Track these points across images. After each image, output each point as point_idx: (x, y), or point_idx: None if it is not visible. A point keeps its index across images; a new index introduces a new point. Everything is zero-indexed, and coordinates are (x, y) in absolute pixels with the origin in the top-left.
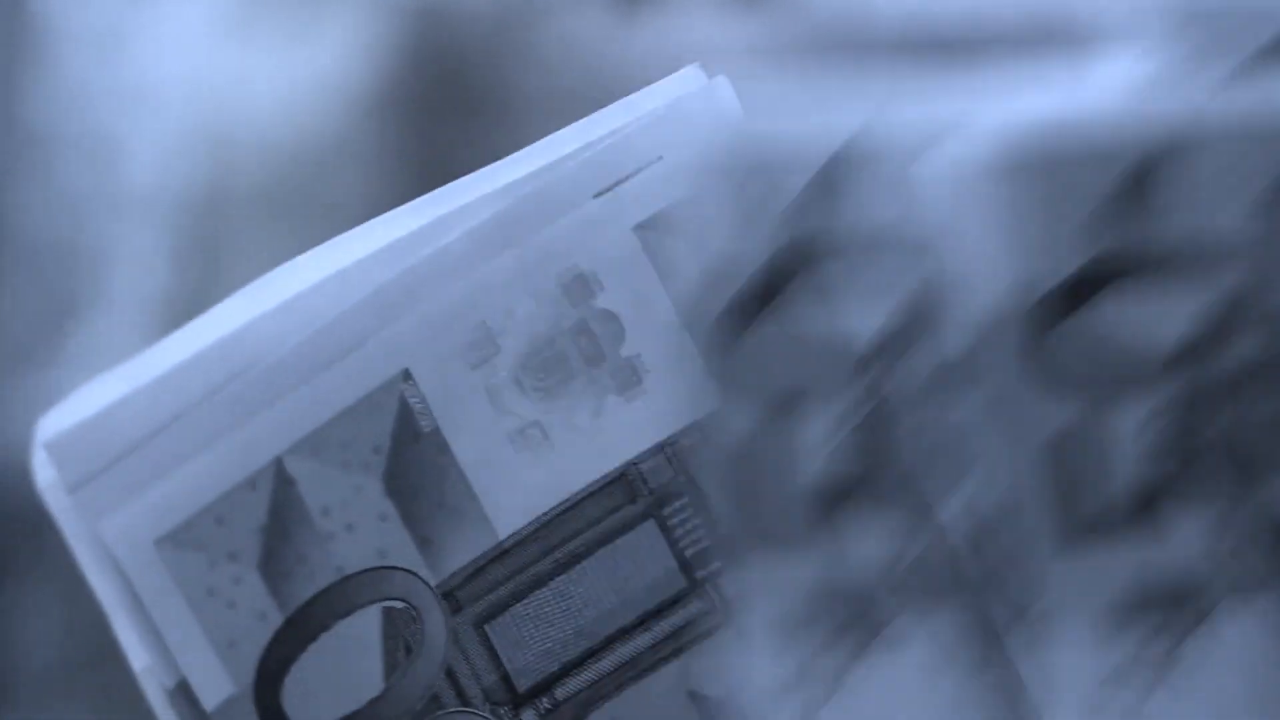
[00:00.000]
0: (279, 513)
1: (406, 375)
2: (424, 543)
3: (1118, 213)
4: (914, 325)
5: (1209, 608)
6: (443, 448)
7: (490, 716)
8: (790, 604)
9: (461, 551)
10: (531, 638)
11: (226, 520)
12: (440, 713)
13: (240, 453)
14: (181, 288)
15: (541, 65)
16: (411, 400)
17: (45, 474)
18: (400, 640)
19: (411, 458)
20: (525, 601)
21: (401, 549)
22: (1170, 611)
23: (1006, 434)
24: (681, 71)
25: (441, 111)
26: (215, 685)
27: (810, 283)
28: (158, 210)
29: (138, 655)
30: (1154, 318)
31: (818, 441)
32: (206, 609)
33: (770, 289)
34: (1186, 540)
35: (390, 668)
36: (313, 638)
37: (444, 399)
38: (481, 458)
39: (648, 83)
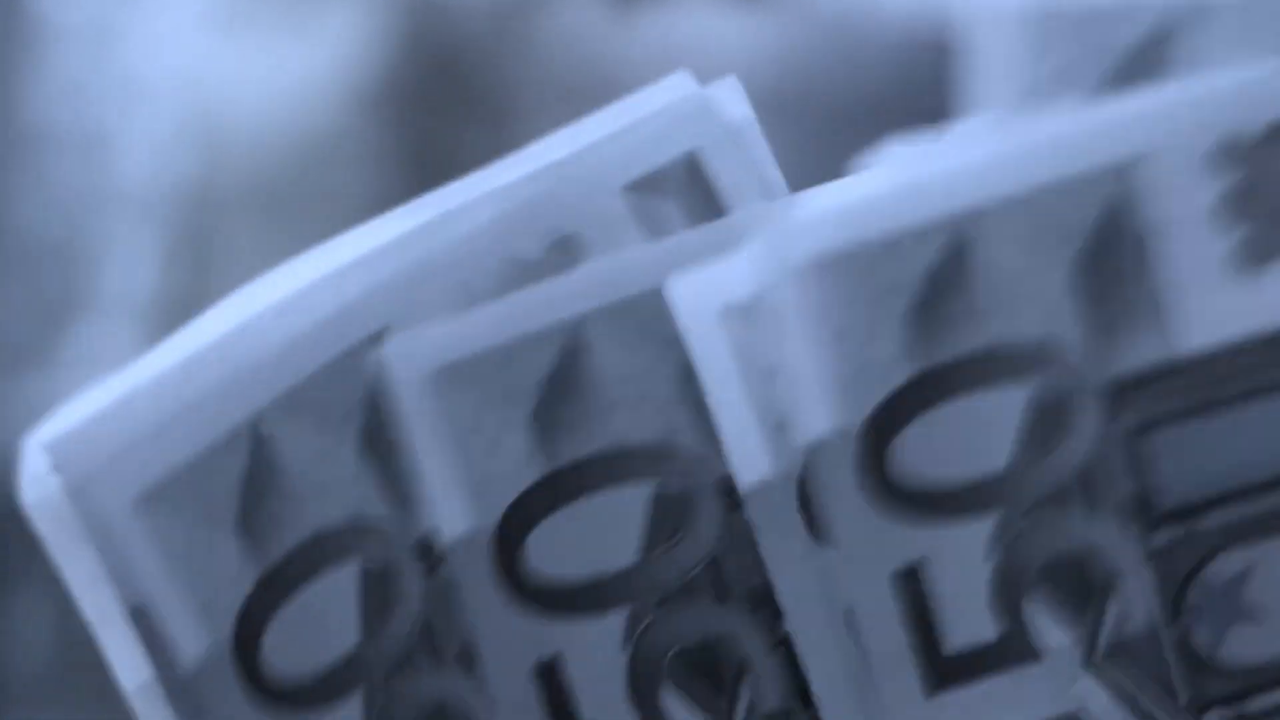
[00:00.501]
0: (254, 472)
1: (1130, 164)
2: (1098, 336)
3: (931, 307)
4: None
5: None
6: (1143, 251)
7: (1117, 528)
8: None
9: (1133, 358)
10: (1187, 458)
11: (204, 478)
12: (1056, 516)
13: (217, 409)
14: (175, 286)
15: (539, 60)
16: (1126, 192)
17: (35, 490)
18: (379, 597)
19: (1108, 252)
20: (1193, 421)
21: (1069, 339)
22: None
23: (857, 572)
24: (671, 78)
25: (438, 107)
26: (191, 646)
27: (955, 392)
28: (151, 207)
29: (129, 670)
30: (979, 435)
31: (978, 561)
32: (182, 570)
33: (914, 399)
34: (1060, 666)
35: (1024, 449)
36: (286, 597)
37: (1169, 200)
38: (1190, 272)
39: (647, 80)
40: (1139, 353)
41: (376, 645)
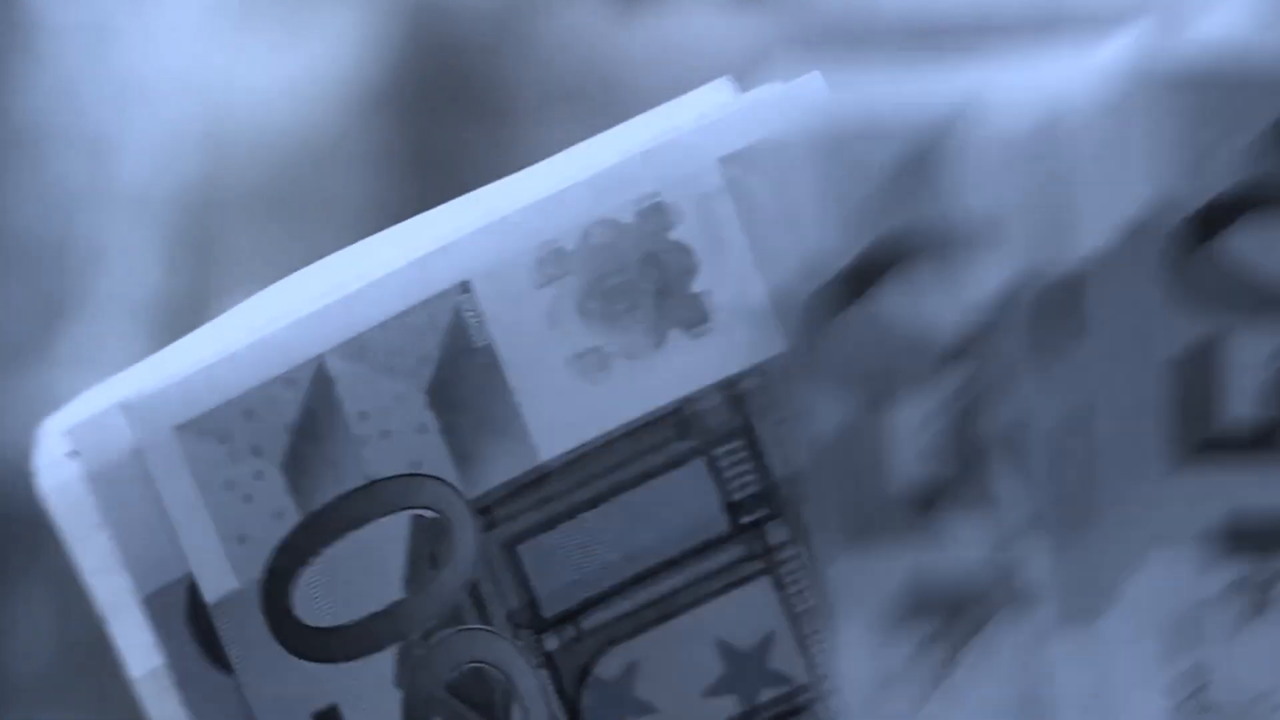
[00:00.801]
0: (313, 411)
1: (465, 287)
2: (462, 458)
3: (897, 192)
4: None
5: (986, 616)
6: (493, 365)
7: (510, 638)
8: (888, 602)
9: (501, 470)
10: (563, 565)
11: (256, 414)
12: (459, 628)
13: (280, 349)
14: (175, 287)
15: (541, 61)
16: (466, 313)
17: (51, 475)
18: (427, 552)
19: (460, 371)
20: (561, 528)
21: (438, 461)
22: (948, 618)
23: (1128, 350)
24: (712, 84)
25: (440, 108)
26: (219, 579)
27: (902, 270)
28: (151, 208)
29: (138, 657)
30: (933, 306)
31: (911, 434)
32: (221, 501)
33: (863, 275)
34: (965, 545)
35: (413, 578)
36: (332, 539)
37: (501, 315)
38: (533, 379)
39: (647, 80)
40: (504, 467)
41: (421, 600)
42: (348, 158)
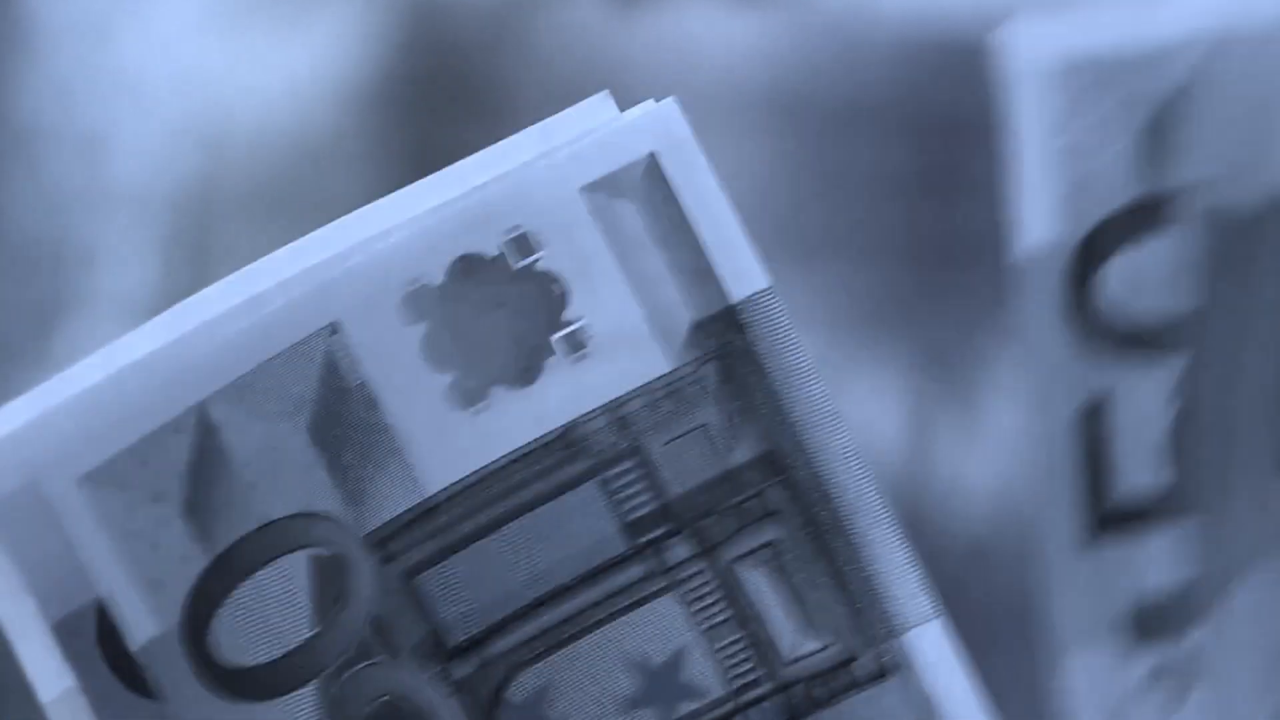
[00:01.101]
0: (203, 457)
1: (334, 328)
2: (351, 495)
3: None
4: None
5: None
6: (371, 402)
7: (417, 669)
8: (1139, 596)
9: (390, 505)
10: (461, 594)
11: (151, 462)
12: (366, 664)
13: (164, 396)
14: (171, 285)
15: (537, 59)
16: (338, 353)
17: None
18: (331, 589)
19: (338, 410)
20: (455, 557)
21: (327, 499)
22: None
23: None
24: (594, 98)
25: (436, 105)
26: (140, 624)
27: (1161, 225)
28: (147, 207)
29: (47, 682)
30: (279, 615)
31: (1162, 405)
32: (129, 549)
33: (1127, 226)
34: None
35: (321, 616)
36: (238, 582)
37: (374, 353)
38: (411, 414)
39: (646, 79)
40: (393, 502)
41: (331, 637)
42: (346, 157)
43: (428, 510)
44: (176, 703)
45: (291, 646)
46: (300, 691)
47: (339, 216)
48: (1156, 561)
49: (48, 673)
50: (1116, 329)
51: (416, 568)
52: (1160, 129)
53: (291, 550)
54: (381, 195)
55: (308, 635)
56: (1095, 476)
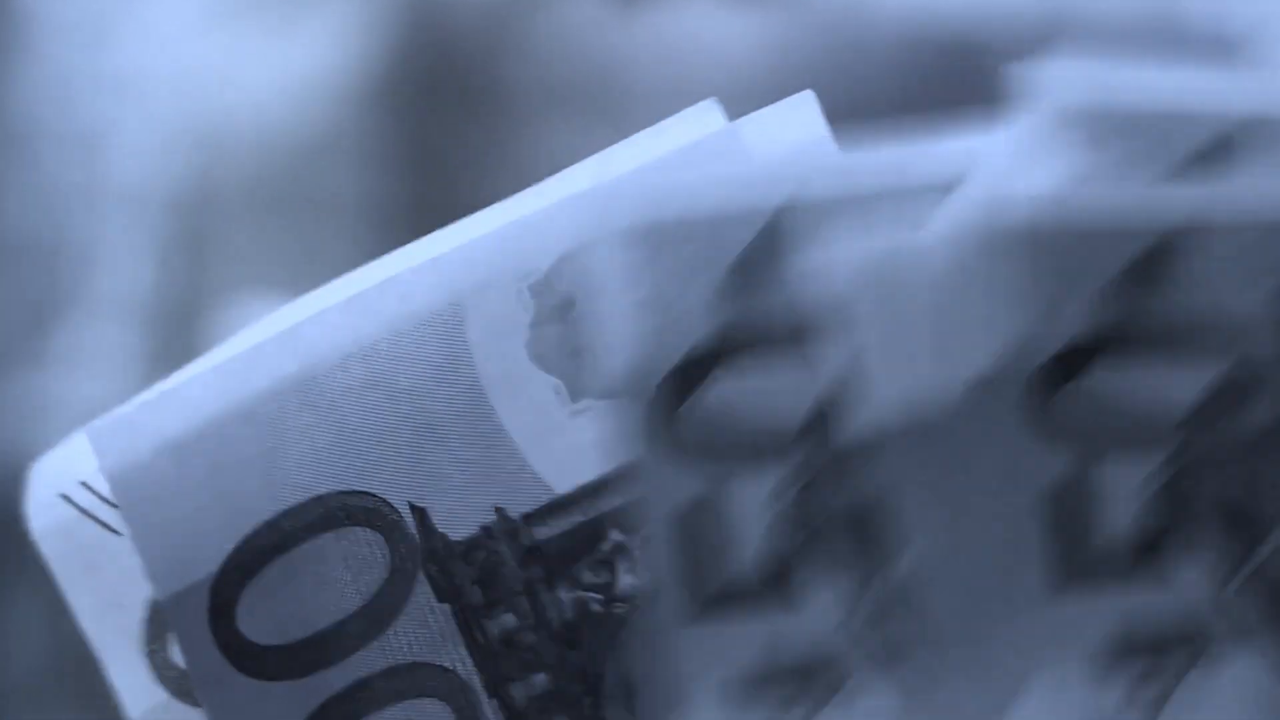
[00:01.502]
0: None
1: (456, 313)
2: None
3: (1125, 290)
4: (837, 401)
5: (1203, 651)
6: (480, 396)
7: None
8: (740, 668)
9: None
10: None
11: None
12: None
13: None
14: (169, 286)
15: (537, 58)
16: (456, 340)
17: (43, 517)
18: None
19: (447, 396)
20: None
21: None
22: (1161, 655)
23: (998, 488)
24: (700, 105)
25: (435, 105)
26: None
27: (755, 350)
28: (144, 206)
29: (136, 698)
30: (1157, 386)
31: (761, 506)
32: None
33: (716, 354)
34: (1187, 586)
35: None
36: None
37: (490, 343)
38: (528, 417)
39: (646, 79)
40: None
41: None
42: (343, 155)
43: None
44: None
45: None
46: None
47: (338, 216)
48: (1140, 601)
49: (135, 690)
50: (1093, 424)
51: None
52: (740, 277)
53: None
54: (379, 194)
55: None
56: (1069, 536)
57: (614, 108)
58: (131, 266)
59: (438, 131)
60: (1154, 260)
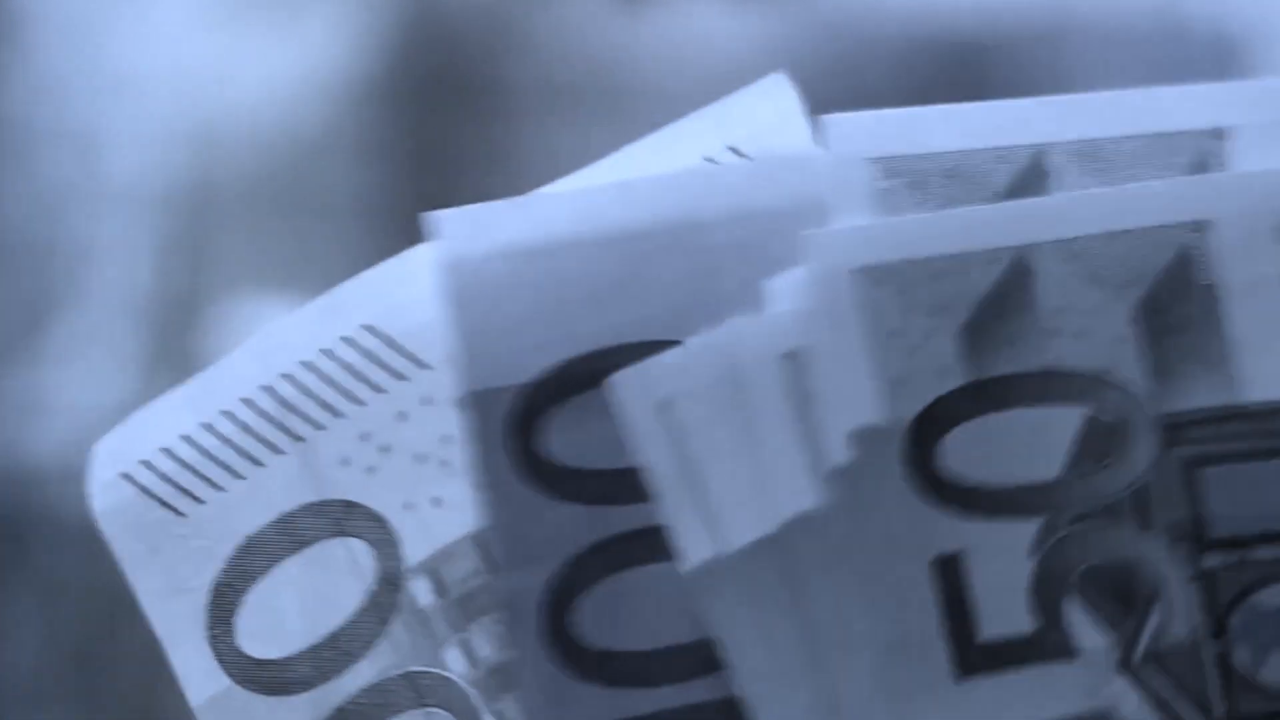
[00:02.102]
0: (1007, 293)
1: (1201, 226)
2: (1158, 376)
3: (988, 320)
4: None
5: None
6: (1212, 305)
7: (1167, 546)
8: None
9: (1197, 397)
10: (1246, 497)
11: (943, 277)
12: (1110, 524)
13: (984, 228)
14: (165, 284)
15: (537, 55)
16: (1196, 250)
17: (105, 497)
18: (1097, 446)
19: (1174, 300)
20: (1254, 464)
21: (1130, 372)
22: None
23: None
24: (768, 79)
25: (434, 102)
26: (863, 409)
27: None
28: (140, 204)
29: (198, 684)
30: (1029, 437)
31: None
32: (883, 345)
33: (971, 399)
34: (1093, 659)
35: (1075, 466)
36: (996, 409)
37: (1237, 263)
38: (1256, 329)
39: (647, 77)
40: (1198, 395)
41: (1079, 486)
42: (340, 152)
43: (1236, 415)
44: (888, 508)
45: (1030, 481)
46: (1023, 522)
47: (336, 215)
48: (1029, 695)
49: (199, 675)
50: (964, 493)
51: (1205, 459)
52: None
53: (1069, 403)
54: (377, 192)
55: (1051, 477)
56: (959, 620)
57: (615, 106)
58: (127, 264)
59: (437, 130)
60: (1014, 281)
